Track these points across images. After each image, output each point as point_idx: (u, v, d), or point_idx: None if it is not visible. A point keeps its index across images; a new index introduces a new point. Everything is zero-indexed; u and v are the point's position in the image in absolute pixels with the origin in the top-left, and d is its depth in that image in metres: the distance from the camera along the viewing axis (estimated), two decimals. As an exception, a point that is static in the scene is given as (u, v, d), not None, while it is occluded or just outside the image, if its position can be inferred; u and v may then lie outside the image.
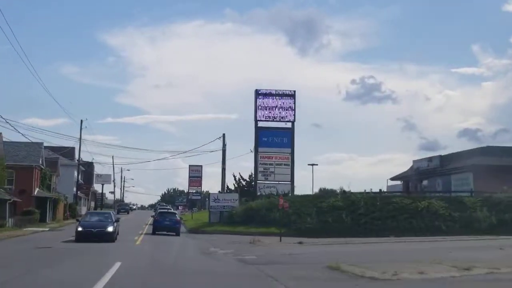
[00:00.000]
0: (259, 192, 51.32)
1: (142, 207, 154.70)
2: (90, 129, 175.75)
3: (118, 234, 33.18)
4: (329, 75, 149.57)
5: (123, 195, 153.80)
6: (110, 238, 27.14)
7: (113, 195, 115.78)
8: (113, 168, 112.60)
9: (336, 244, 29.15)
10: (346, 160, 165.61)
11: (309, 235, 35.32)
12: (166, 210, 49.52)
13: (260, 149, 51.87)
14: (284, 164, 52.16)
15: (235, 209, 44.52)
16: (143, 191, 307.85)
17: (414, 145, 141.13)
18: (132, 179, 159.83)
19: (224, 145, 47.71)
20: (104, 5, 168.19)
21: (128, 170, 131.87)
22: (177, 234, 36.87)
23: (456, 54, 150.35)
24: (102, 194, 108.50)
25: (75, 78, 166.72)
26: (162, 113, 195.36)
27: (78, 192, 75.37)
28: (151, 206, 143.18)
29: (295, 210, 38.89)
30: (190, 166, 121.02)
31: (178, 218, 40.67)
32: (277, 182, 51.91)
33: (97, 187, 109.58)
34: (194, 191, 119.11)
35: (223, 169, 47.19)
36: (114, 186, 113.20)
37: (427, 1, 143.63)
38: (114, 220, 28.91)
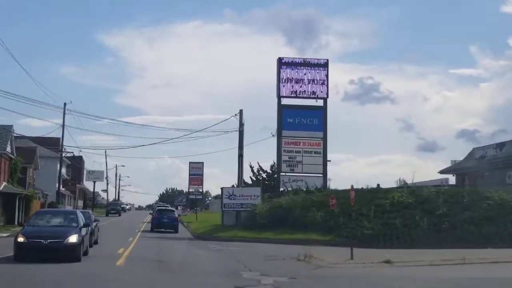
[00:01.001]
0: (283, 187, 40.50)
1: (140, 208, 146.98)
2: (86, 131, 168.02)
3: (95, 243, 22.43)
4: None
5: (118, 194, 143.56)
6: (73, 254, 16.06)
7: (106, 193, 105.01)
8: (106, 164, 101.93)
9: (447, 264, 18.08)
10: (344, 160, 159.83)
11: (369, 244, 24.61)
12: (164, 208, 47.30)
13: (284, 133, 40.95)
14: (315, 152, 41.26)
15: (258, 207, 33.49)
16: (142, 191, 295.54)
17: (413, 146, 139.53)
18: (128, 177, 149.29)
19: (241, 124, 36.56)
20: (103, 6, 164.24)
21: (123, 166, 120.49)
22: (176, 231, 36.50)
23: (454, 55, 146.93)
24: (94, 192, 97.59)
25: (74, 78, 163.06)
26: (161, 114, 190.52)
27: (63, 188, 64.48)
28: (149, 207, 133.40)
29: (342, 209, 27.96)
30: (190, 163, 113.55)
31: (176, 216, 40.29)
32: (306, 175, 41.06)
33: (89, 185, 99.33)
34: (194, 190, 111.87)
35: (240, 156, 35.99)
36: (107, 184, 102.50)
37: (425, 2, 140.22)
38: (81, 224, 17.71)
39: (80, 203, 77.13)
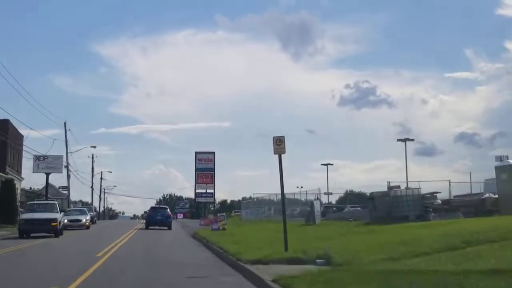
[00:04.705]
0: None
1: (135, 216, 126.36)
2: (79, 139, 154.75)
3: None
4: (323, 80, 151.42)
5: (105, 201, 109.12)
6: None
7: (67, 192, 66.89)
8: (66, 144, 64.33)
9: None
10: (341, 166, 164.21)
11: None
12: (158, 206, 49.78)
13: None
14: None
15: None
16: (138, 200, 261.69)
17: (410, 150, 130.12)
18: (110, 172, 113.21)
19: None
20: (96, 16, 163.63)
21: (94, 147, 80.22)
22: (169, 228, 37.35)
23: (450, 59, 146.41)
24: (47, 190, 59.58)
25: (68, 89, 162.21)
26: (155, 123, 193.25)
27: None
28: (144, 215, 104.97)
29: None
30: (197, 153, 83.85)
31: (169, 213, 41.74)
32: None
33: (40, 179, 62.15)
34: (203, 190, 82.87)
35: None
36: (68, 177, 64.36)
37: (420, 6, 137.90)
38: None
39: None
